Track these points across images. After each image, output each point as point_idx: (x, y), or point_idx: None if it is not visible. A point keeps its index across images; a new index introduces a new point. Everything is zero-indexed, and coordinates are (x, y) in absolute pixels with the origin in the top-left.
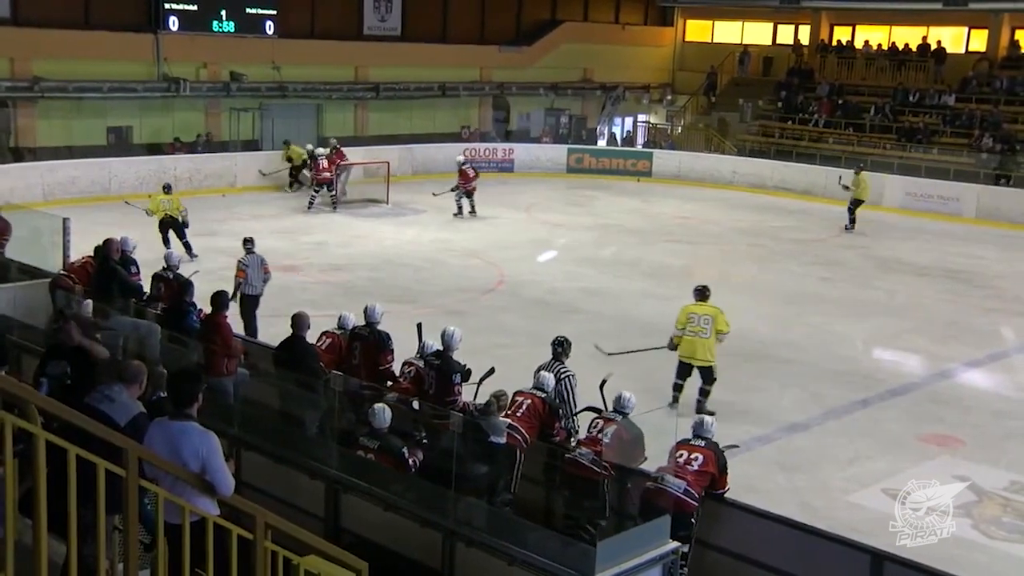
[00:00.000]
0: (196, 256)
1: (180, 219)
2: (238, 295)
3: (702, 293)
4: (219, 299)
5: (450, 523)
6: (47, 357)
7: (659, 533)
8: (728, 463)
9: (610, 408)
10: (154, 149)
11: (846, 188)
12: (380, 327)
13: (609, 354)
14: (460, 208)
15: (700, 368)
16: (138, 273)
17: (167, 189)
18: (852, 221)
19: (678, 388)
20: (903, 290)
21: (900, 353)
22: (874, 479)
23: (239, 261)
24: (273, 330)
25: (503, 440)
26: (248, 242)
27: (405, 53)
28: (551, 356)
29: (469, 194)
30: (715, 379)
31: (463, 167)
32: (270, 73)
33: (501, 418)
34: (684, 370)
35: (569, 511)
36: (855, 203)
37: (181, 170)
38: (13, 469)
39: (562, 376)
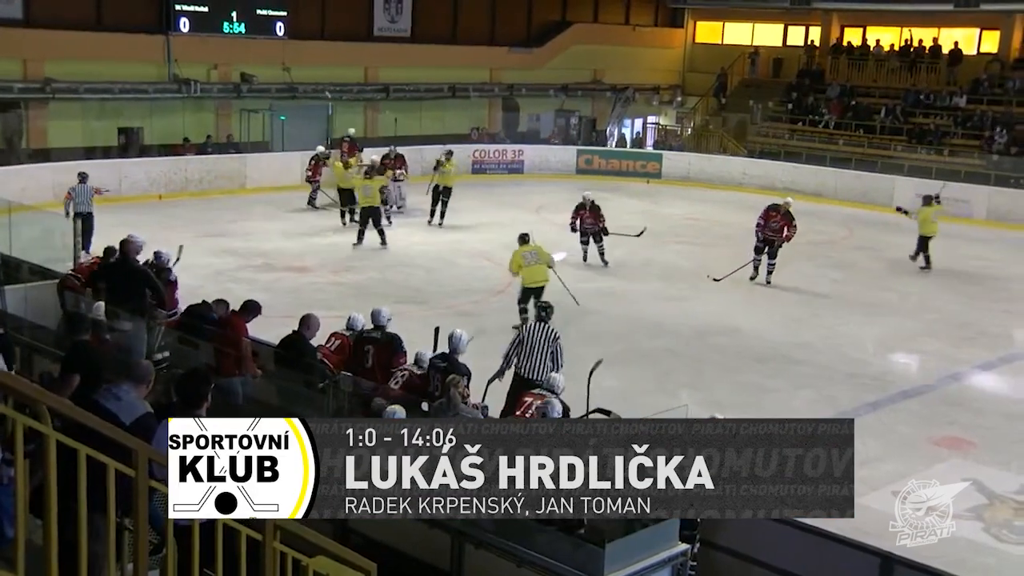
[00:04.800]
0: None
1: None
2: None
3: (524, 238)
4: (247, 305)
5: (459, 524)
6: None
7: (668, 535)
8: None
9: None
10: (165, 150)
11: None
12: (389, 329)
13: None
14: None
15: (537, 289)
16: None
17: (82, 178)
18: (441, 214)
19: (524, 311)
20: (915, 292)
21: (912, 355)
22: (884, 481)
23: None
24: (285, 331)
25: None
26: (81, 175)
27: (415, 54)
28: (536, 318)
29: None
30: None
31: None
32: (280, 74)
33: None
34: (527, 295)
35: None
36: (443, 192)
37: (192, 170)
38: (24, 469)
39: (557, 336)
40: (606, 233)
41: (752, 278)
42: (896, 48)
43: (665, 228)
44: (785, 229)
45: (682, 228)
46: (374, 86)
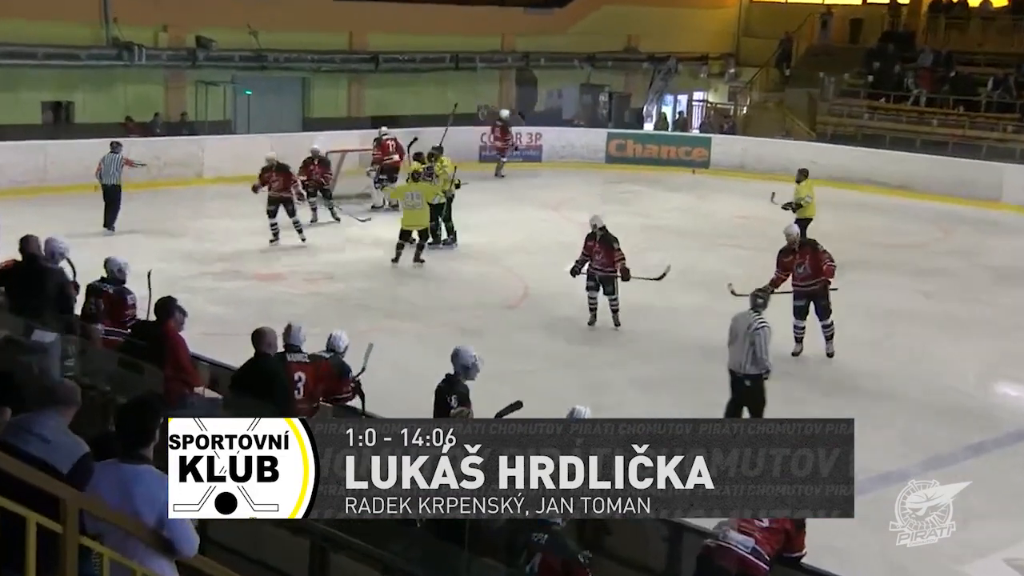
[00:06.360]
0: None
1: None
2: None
3: (415, 175)
4: (166, 306)
5: None
6: None
7: None
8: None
9: None
10: (102, 130)
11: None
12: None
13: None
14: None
15: (420, 231)
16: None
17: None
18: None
19: (400, 247)
20: None
21: (1023, 387)
22: (993, 546)
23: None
24: (251, 351)
25: None
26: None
27: (410, 16)
28: (750, 307)
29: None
30: (429, 237)
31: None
32: (245, 39)
33: None
34: (406, 235)
35: None
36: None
37: (136, 156)
38: None
39: (759, 326)
40: (626, 278)
41: (796, 353)
42: (1009, 2)
43: (711, 228)
44: (821, 264)
45: (732, 229)
46: (360, 55)
